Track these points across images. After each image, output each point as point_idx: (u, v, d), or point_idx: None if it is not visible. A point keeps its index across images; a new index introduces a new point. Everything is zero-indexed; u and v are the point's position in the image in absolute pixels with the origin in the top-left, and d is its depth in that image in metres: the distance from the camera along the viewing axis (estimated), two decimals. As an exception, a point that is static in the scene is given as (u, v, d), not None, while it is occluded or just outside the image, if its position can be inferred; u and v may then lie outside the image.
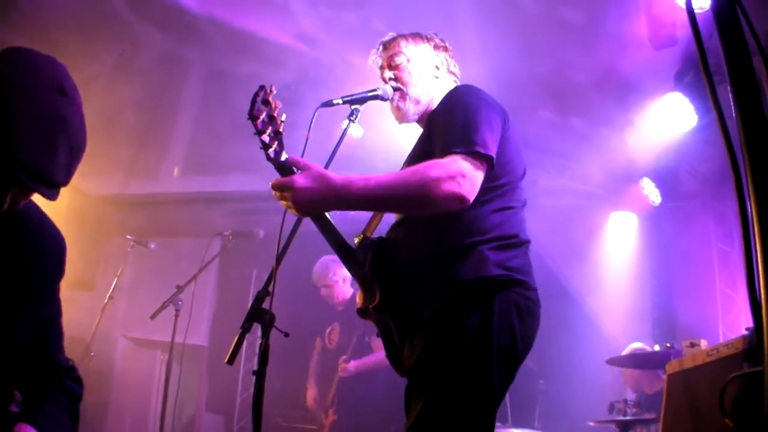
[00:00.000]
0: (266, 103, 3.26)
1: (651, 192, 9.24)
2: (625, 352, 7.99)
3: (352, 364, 8.38)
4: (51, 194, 3.08)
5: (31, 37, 9.97)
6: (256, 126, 3.23)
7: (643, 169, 9.12)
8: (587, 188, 9.58)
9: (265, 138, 3.27)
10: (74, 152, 3.10)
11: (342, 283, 8.90)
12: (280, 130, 3.33)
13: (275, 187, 3.40)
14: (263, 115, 3.24)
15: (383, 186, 3.43)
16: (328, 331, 8.93)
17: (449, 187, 3.35)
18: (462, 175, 3.38)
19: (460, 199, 3.39)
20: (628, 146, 8.77)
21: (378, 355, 8.39)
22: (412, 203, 3.50)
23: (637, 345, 8.15)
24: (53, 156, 2.96)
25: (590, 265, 9.78)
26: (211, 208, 11.58)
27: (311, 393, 9.10)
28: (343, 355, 8.49)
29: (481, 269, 3.49)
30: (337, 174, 3.42)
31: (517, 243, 3.65)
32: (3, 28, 9.85)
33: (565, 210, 9.29)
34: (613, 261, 9.80)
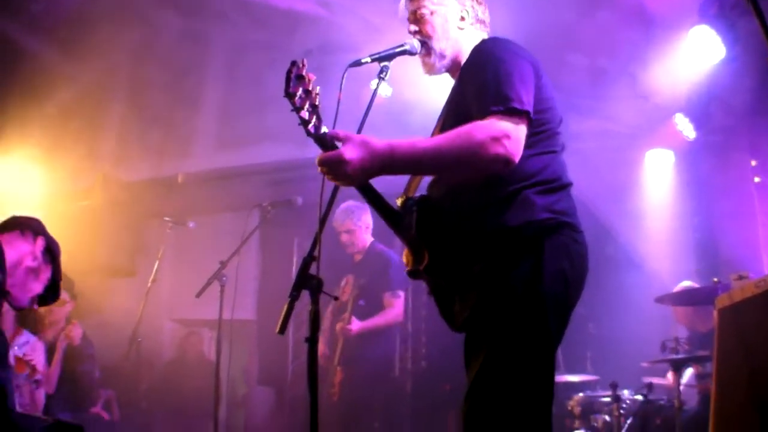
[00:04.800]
0: (300, 78, 3.22)
1: (685, 127, 9.16)
2: (676, 290, 7.94)
3: (356, 327, 8.24)
4: None
5: (48, 35, 10.01)
6: (294, 104, 3.19)
7: (676, 104, 9.03)
8: (621, 128, 9.50)
9: (304, 114, 3.24)
10: None
11: (364, 230, 8.75)
12: (317, 103, 3.30)
13: (322, 162, 3.38)
14: (299, 92, 3.20)
15: (428, 151, 3.42)
16: (342, 284, 8.79)
17: (494, 149, 3.33)
18: (506, 136, 3.35)
19: (506, 160, 3.36)
20: (658, 83, 8.69)
21: (389, 313, 8.39)
22: (459, 168, 3.48)
23: (686, 284, 8.09)
24: None
25: (630, 205, 9.72)
26: (247, 181, 11.54)
27: (320, 349, 8.92)
28: (345, 313, 8.36)
29: (528, 214, 3.46)
30: (378, 139, 3.41)
31: (560, 186, 3.62)
32: (17, 29, 9.87)
33: (601, 152, 9.21)
34: (652, 199, 9.72)
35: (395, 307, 8.41)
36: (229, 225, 10.62)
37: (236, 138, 11.25)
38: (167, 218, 9.53)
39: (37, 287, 4.68)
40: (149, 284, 9.22)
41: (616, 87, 8.80)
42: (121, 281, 11.38)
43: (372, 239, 8.82)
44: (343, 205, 8.64)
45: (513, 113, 3.41)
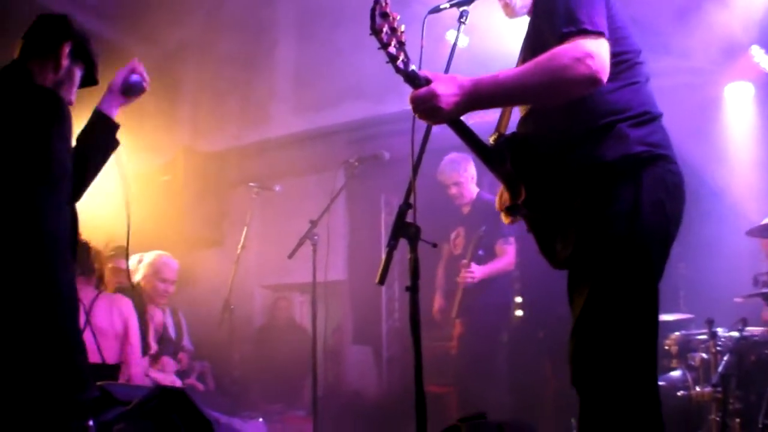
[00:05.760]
0: (384, 15, 3.26)
1: (762, 59, 9.04)
2: (765, 221, 7.85)
3: (478, 271, 8.29)
4: None
5: (110, 19, 10.09)
6: (380, 40, 3.24)
7: (751, 37, 8.91)
8: (698, 64, 9.36)
9: (392, 50, 3.30)
10: None
11: (470, 181, 8.72)
12: (403, 40, 3.35)
13: (414, 100, 3.44)
14: (385, 28, 3.25)
15: (512, 79, 3.45)
16: (453, 236, 8.87)
17: (579, 69, 3.33)
18: (589, 56, 3.34)
19: (593, 79, 3.36)
20: (731, 15, 8.57)
21: (503, 260, 8.41)
22: (545, 93, 3.48)
23: (775, 216, 7.99)
24: None
25: (712, 141, 9.57)
26: (328, 142, 11.49)
27: (437, 304, 9.04)
28: (463, 261, 8.43)
29: (623, 147, 3.46)
30: (463, 76, 3.44)
31: (651, 118, 3.60)
32: (80, 12, 9.95)
33: (679, 89, 9.08)
34: (734, 133, 9.58)
35: (508, 254, 8.43)
36: (312, 187, 10.66)
37: (314, 100, 11.22)
38: (252, 184, 9.56)
39: (72, 92, 4.60)
40: (238, 251, 9.34)
41: (690, 22, 8.69)
42: (208, 252, 11.51)
43: (478, 189, 8.82)
44: (448, 158, 8.67)
45: (587, 34, 3.40)
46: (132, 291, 7.73)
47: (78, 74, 4.53)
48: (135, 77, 4.90)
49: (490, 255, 8.46)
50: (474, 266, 8.28)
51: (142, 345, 7.49)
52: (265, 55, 11.38)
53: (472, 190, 8.77)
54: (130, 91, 4.92)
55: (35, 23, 4.45)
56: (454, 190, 8.70)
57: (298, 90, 11.47)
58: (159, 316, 8.19)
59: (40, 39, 4.37)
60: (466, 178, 8.67)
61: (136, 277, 8.01)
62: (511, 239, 8.36)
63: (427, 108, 3.43)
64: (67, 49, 4.36)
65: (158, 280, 8.10)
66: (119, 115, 5.16)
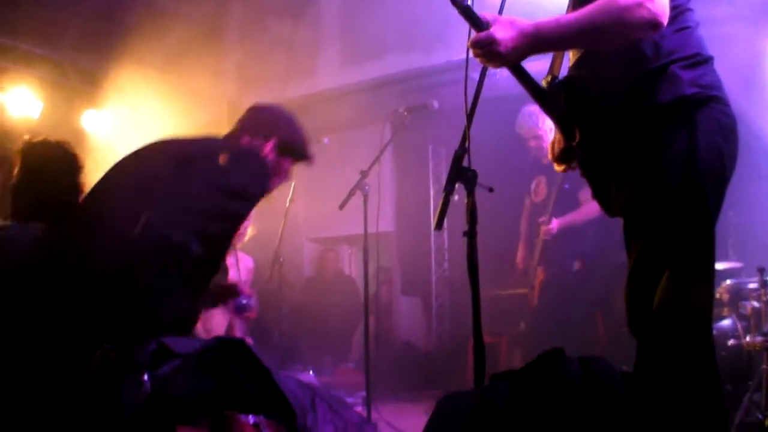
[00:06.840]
0: None
1: (810, 7, 8.96)
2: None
3: (555, 224, 8.33)
4: None
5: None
6: None
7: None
8: (743, 12, 9.26)
9: None
10: None
11: (550, 133, 8.56)
12: None
13: (475, 43, 3.43)
14: None
15: (573, 23, 3.43)
16: (534, 186, 8.89)
17: (639, 13, 3.30)
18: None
19: (654, 23, 3.33)
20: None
21: (586, 209, 8.32)
22: (606, 36, 3.46)
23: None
24: None
25: (759, 91, 9.48)
26: (375, 95, 11.44)
27: (521, 253, 9.10)
28: (544, 216, 8.47)
29: (676, 90, 3.45)
30: (523, 19, 3.45)
31: (703, 60, 3.58)
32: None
33: (724, 39, 9.01)
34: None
35: (593, 203, 8.39)
36: (359, 140, 10.64)
37: (360, 53, 11.19)
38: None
39: (274, 182, 4.91)
40: (287, 205, 9.32)
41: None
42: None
43: None
44: (525, 111, 8.62)
45: None
46: None
47: (286, 167, 4.89)
48: (242, 301, 5.54)
49: (576, 189, 8.42)
50: (553, 221, 8.35)
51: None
52: (311, 8, 11.35)
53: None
54: (240, 310, 5.76)
55: (249, 112, 4.94)
56: (533, 143, 8.61)
57: (343, 42, 11.45)
58: (247, 261, 8.03)
59: (251, 129, 4.79)
60: (545, 130, 8.52)
61: None
62: None
63: (487, 52, 3.43)
64: (270, 145, 4.70)
65: None
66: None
